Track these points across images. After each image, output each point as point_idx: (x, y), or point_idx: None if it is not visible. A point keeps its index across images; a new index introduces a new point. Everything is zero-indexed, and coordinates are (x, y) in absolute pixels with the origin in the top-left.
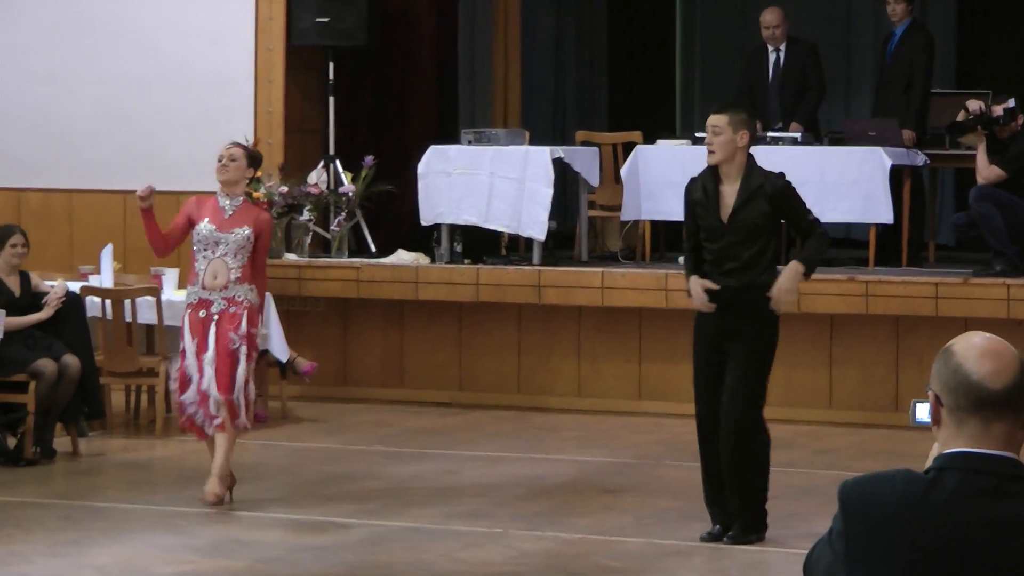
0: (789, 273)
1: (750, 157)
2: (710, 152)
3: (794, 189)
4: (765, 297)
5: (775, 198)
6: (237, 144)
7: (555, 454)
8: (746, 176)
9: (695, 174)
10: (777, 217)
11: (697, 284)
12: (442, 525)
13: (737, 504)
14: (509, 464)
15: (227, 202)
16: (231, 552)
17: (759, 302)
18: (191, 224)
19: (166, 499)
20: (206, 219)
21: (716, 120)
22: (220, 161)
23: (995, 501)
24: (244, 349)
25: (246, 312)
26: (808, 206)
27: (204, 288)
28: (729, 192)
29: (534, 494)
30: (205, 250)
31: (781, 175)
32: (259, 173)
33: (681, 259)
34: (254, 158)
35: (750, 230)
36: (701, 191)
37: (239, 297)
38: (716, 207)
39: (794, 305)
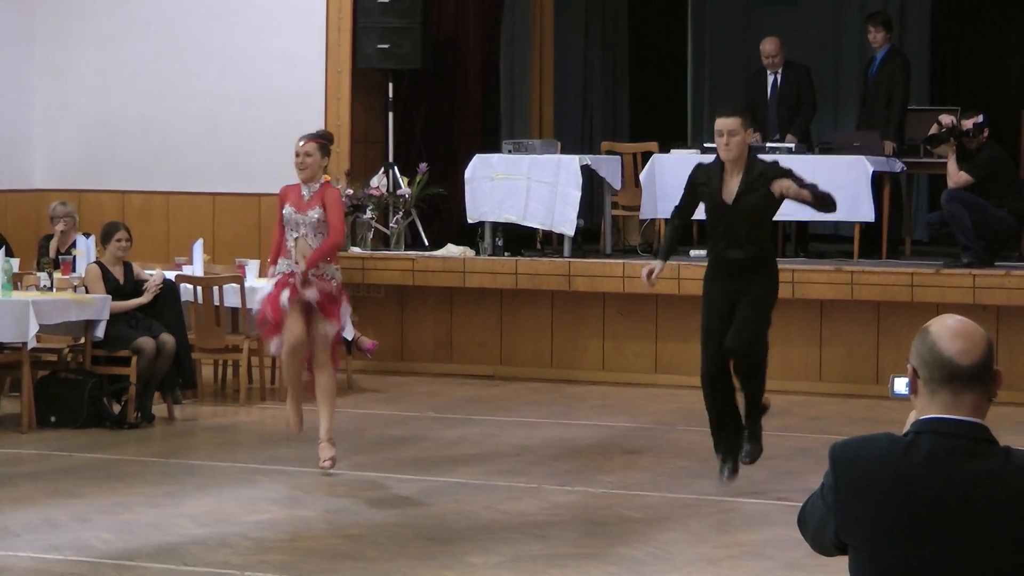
0: (799, 189)
1: (750, 149)
2: (727, 150)
3: (789, 168)
4: (772, 266)
5: (776, 174)
6: (310, 138)
7: (583, 420)
8: (748, 165)
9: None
10: (781, 197)
11: (649, 270)
12: (485, 481)
13: (746, 407)
14: (543, 428)
15: (306, 189)
16: (304, 503)
17: (762, 268)
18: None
19: (248, 458)
20: (288, 203)
21: (731, 123)
22: (297, 157)
23: (966, 460)
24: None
25: (335, 287)
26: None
27: (296, 263)
28: (733, 179)
29: (564, 454)
30: (291, 231)
31: (775, 161)
32: (328, 178)
33: (692, 252)
34: (326, 147)
35: (752, 210)
36: (706, 177)
37: (328, 275)
38: (720, 192)
39: (787, 188)
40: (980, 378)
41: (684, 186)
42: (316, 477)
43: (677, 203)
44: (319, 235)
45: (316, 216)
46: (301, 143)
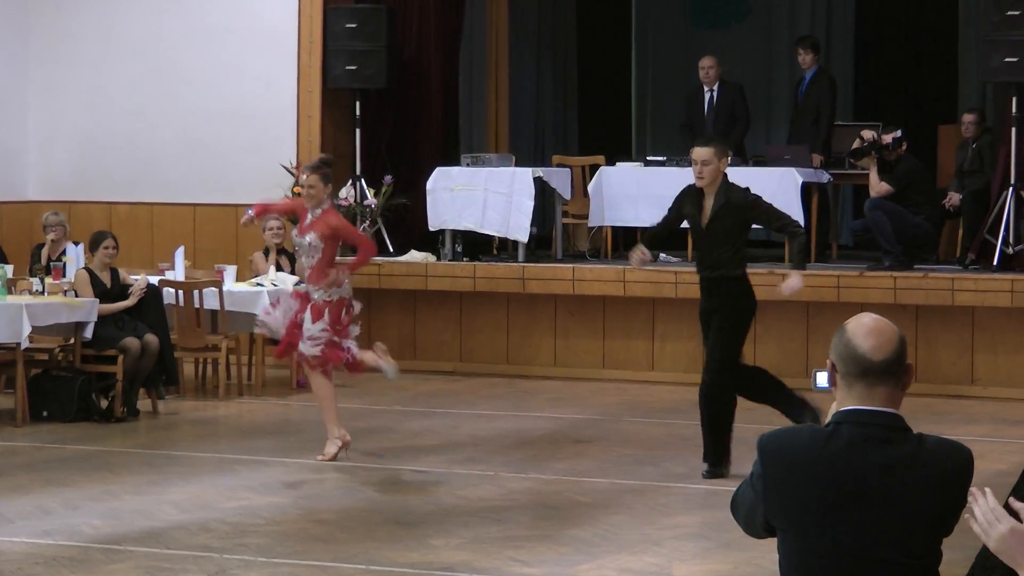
0: (794, 279)
1: (724, 176)
2: (699, 179)
3: (759, 199)
4: (736, 286)
5: (743, 209)
6: (312, 171)
7: (536, 412)
8: (719, 193)
9: (651, 189)
10: (747, 224)
11: (636, 250)
12: (446, 469)
13: (711, 445)
14: (499, 420)
15: (311, 213)
16: (278, 491)
17: (731, 290)
18: (291, 216)
19: (227, 449)
20: (295, 227)
21: (704, 154)
22: (303, 188)
23: (883, 446)
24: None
25: (311, 308)
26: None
27: (311, 287)
28: (708, 205)
29: (519, 444)
30: (296, 251)
31: (746, 190)
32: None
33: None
34: (328, 176)
35: (721, 236)
36: (690, 202)
37: (313, 295)
38: (699, 217)
39: (800, 294)
40: (892, 372)
41: (672, 203)
42: (290, 467)
43: (665, 216)
44: (310, 257)
45: (308, 240)
46: (304, 176)
